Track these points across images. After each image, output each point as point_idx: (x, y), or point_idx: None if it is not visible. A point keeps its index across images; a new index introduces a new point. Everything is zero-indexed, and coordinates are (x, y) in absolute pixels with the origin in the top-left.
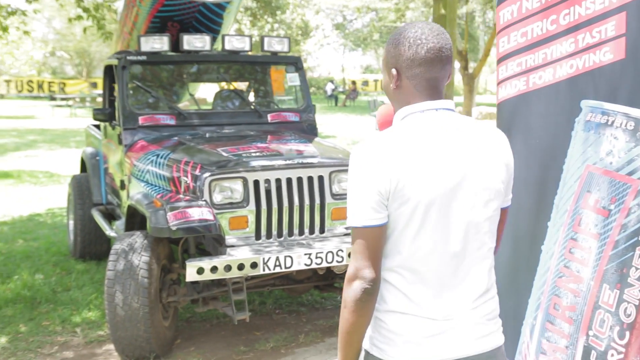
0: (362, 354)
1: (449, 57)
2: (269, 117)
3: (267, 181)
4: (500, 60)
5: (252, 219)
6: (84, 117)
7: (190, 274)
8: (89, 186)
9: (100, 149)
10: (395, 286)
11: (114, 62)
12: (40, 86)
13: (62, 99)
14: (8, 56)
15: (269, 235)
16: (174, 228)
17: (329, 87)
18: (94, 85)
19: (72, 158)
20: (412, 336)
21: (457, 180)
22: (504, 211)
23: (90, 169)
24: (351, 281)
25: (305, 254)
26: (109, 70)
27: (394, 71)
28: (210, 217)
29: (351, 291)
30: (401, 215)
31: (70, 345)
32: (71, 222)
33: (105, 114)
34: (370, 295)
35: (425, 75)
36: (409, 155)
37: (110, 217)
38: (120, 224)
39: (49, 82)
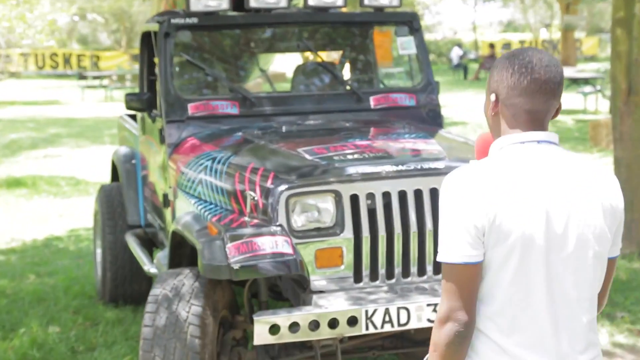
0: None
1: (555, 90)
2: (372, 101)
3: (371, 196)
4: None
5: (348, 251)
6: (122, 101)
7: (260, 335)
8: (122, 201)
9: (137, 149)
10: (488, 336)
11: (154, 27)
12: (67, 61)
13: (95, 78)
14: (18, 22)
15: (374, 275)
16: (235, 267)
17: (456, 54)
18: (137, 58)
19: (106, 159)
20: None
21: (558, 220)
22: (611, 262)
23: (124, 178)
24: (443, 323)
25: (429, 305)
26: (147, 39)
27: (492, 96)
28: (289, 250)
29: (443, 334)
30: (497, 254)
31: None
32: (99, 252)
33: (142, 101)
34: (464, 339)
35: (524, 106)
36: (507, 188)
37: (151, 244)
38: (163, 256)
39: (78, 56)
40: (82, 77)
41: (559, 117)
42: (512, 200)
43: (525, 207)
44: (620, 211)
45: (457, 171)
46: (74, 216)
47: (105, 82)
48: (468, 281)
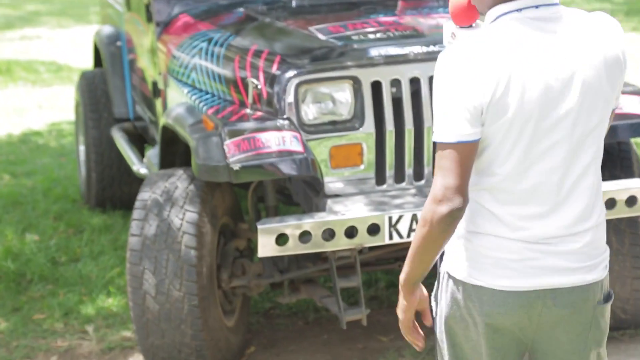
0: (443, 277)
1: None
2: None
3: (396, 83)
4: None
5: (369, 148)
6: None
7: (266, 246)
8: (107, 90)
9: (122, 29)
10: (486, 207)
11: None
12: None
13: None
14: None
15: (399, 176)
16: (235, 167)
17: None
18: None
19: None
20: (503, 260)
21: (562, 84)
22: (612, 113)
23: (108, 63)
24: (438, 202)
25: None
26: None
27: None
28: (298, 147)
29: (437, 212)
30: (498, 130)
31: (76, 355)
32: (82, 149)
33: None
34: (457, 218)
35: None
36: (507, 60)
37: (142, 140)
38: (153, 154)
39: None
40: None
41: None
42: (512, 71)
43: (527, 77)
44: (622, 60)
45: (452, 48)
46: (55, 107)
47: None
48: (465, 160)
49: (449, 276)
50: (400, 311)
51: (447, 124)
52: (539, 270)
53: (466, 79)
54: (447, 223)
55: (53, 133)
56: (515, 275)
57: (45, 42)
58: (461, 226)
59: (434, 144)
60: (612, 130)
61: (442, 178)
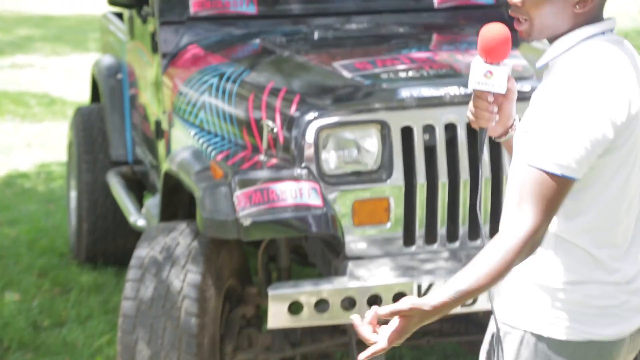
0: (523, 341)
1: None
2: None
3: (430, 129)
4: None
5: (397, 203)
6: None
7: (277, 315)
8: (104, 129)
9: (124, 60)
10: (583, 249)
11: None
12: None
13: None
14: None
15: (430, 236)
16: (245, 222)
17: None
18: None
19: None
20: (606, 307)
21: None
22: None
23: (107, 98)
24: (524, 239)
25: None
26: None
27: None
28: (317, 201)
29: (518, 247)
30: (607, 165)
31: None
32: (73, 195)
33: None
34: (531, 255)
35: None
36: (630, 84)
37: (141, 187)
38: (153, 204)
39: None
40: None
41: (612, 6)
42: (632, 100)
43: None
44: None
45: (581, 67)
46: (45, 146)
47: None
48: (562, 197)
49: (537, 338)
50: (400, 336)
51: (568, 152)
52: (634, 312)
53: (609, 104)
54: (523, 259)
55: (41, 176)
56: (619, 322)
57: (37, 72)
58: (549, 277)
59: (472, 197)
60: None
61: (537, 214)
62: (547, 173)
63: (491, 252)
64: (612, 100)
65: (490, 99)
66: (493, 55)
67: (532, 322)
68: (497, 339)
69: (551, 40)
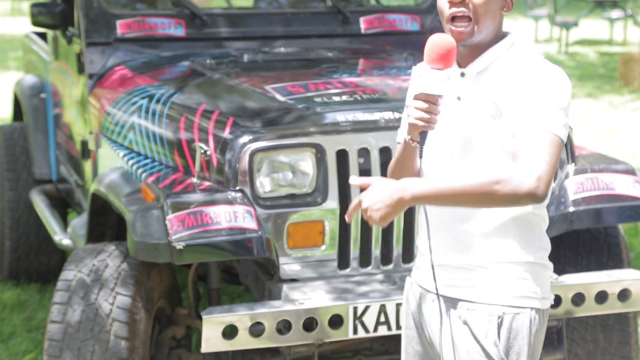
0: (533, 319)
1: None
2: (363, 24)
3: (364, 152)
4: None
5: (332, 226)
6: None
7: (211, 339)
8: (27, 148)
9: (47, 79)
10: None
11: None
12: None
13: None
14: None
15: (365, 259)
16: (179, 246)
17: None
18: None
19: (10, 91)
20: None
21: None
22: None
23: (30, 117)
24: (528, 194)
25: None
26: None
27: None
28: (252, 225)
29: (531, 190)
30: None
31: None
32: None
33: (53, 14)
34: (527, 205)
35: None
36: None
37: (65, 204)
38: (79, 224)
39: None
40: None
41: (578, 48)
42: None
43: None
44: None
45: (545, 62)
46: None
47: None
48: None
49: (537, 312)
50: (384, 208)
51: (563, 120)
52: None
53: (569, 92)
54: (522, 203)
55: None
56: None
57: None
58: (542, 255)
59: (407, 220)
60: (598, 214)
61: (545, 171)
62: (557, 136)
63: (485, 180)
64: (570, 87)
65: (440, 102)
66: (447, 61)
67: (535, 300)
68: (499, 325)
69: (477, 45)
